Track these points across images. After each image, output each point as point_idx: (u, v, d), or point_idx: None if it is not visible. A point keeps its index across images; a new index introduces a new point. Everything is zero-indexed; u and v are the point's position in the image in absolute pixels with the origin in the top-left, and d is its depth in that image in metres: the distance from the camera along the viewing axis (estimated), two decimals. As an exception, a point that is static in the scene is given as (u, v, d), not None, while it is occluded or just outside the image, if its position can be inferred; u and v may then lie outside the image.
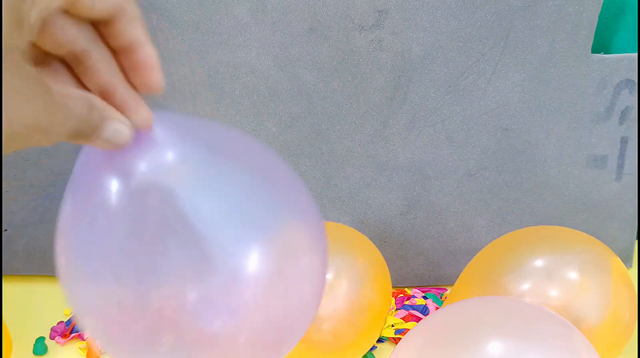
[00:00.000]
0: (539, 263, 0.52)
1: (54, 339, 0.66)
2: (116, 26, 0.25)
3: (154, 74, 0.26)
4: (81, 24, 0.24)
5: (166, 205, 0.26)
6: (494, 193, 0.67)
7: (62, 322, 0.67)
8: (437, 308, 0.68)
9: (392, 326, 0.65)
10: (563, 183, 0.67)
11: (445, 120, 0.63)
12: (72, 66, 0.26)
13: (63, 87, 0.24)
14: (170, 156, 0.27)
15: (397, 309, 0.68)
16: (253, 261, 0.28)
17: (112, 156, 0.26)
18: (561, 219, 0.69)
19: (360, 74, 0.61)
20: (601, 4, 0.58)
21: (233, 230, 0.27)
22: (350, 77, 0.61)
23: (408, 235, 0.69)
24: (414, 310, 0.67)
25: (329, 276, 0.55)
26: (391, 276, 0.68)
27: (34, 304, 0.71)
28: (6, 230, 0.70)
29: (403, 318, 0.66)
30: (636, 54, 0.61)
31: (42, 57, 0.25)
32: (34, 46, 0.24)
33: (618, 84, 0.62)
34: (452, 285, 0.71)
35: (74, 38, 0.24)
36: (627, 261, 0.72)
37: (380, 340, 0.65)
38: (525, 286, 0.51)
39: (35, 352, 0.64)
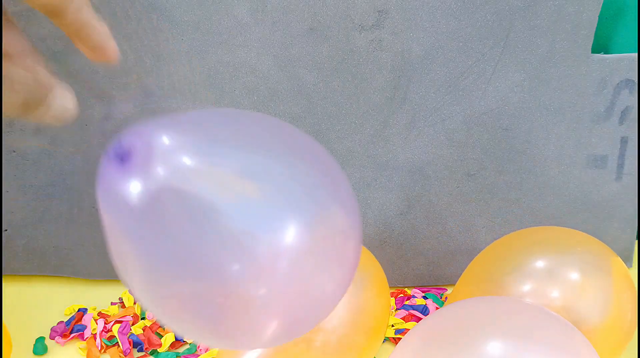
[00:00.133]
0: (539, 263, 0.52)
1: (53, 339, 0.65)
2: (67, 15, 0.27)
3: (110, 49, 0.29)
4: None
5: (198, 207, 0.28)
6: (494, 193, 0.67)
7: (62, 322, 0.67)
8: (437, 308, 0.68)
9: (392, 326, 0.65)
10: (563, 183, 0.67)
11: (445, 120, 0.63)
12: None
13: (9, 65, 0.25)
14: (192, 158, 0.28)
15: (397, 309, 0.68)
16: (291, 238, 0.30)
17: (132, 165, 0.28)
18: (561, 219, 0.69)
19: (360, 74, 0.61)
20: (601, 4, 0.58)
21: (278, 213, 0.30)
22: (350, 77, 0.61)
23: (408, 235, 0.69)
24: (414, 310, 0.67)
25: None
26: (391, 277, 0.68)
27: (34, 304, 0.71)
28: (6, 230, 0.70)
29: (403, 318, 0.66)
30: (636, 54, 0.61)
31: None
32: None
33: (618, 84, 0.62)
34: (452, 285, 0.71)
35: None
36: (627, 261, 0.72)
37: (380, 340, 0.65)
38: (526, 286, 0.51)
39: (35, 352, 0.64)
